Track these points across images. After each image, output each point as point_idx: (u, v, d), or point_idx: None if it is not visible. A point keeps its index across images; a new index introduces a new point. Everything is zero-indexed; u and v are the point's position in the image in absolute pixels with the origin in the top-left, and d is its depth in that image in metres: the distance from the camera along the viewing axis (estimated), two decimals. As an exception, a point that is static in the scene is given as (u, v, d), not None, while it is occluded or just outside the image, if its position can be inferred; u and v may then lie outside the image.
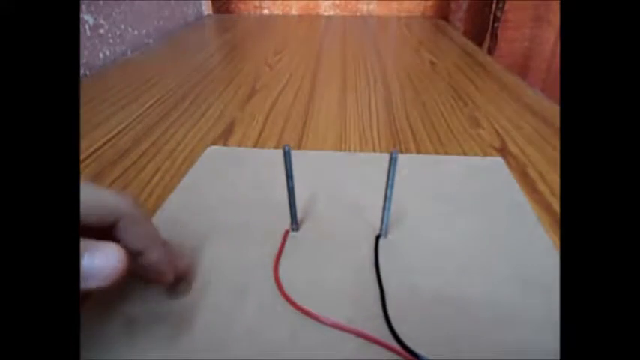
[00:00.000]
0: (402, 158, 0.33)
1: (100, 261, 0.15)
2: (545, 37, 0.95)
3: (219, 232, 0.26)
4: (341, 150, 0.37)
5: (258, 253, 0.24)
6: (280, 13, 1.13)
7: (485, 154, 0.36)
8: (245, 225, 0.26)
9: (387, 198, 0.24)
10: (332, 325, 0.19)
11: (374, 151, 0.37)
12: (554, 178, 0.33)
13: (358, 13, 1.12)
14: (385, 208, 0.24)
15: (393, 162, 0.22)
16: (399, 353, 0.18)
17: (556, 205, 0.29)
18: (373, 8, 1.11)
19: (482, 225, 0.26)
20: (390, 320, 0.19)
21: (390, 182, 0.23)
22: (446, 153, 0.36)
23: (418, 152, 0.37)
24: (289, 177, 0.23)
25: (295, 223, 0.26)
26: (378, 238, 0.25)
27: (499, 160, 0.35)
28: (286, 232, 0.25)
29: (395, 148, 0.37)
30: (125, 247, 0.16)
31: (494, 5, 0.94)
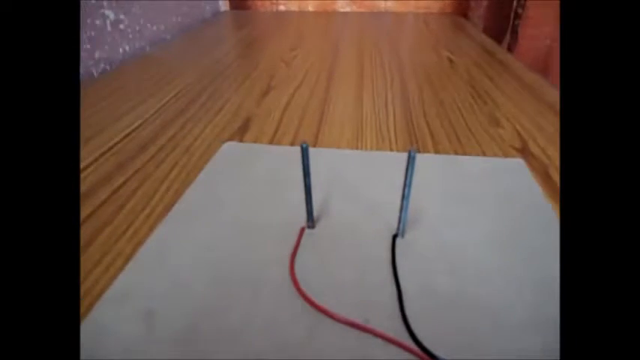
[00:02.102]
0: (419, 158, 0.33)
1: None
2: (567, 35, 0.92)
3: (235, 228, 0.26)
4: (357, 148, 0.37)
5: (273, 250, 0.24)
6: (297, 9, 1.12)
7: (505, 155, 0.35)
8: (261, 221, 0.26)
9: (404, 197, 0.23)
10: (348, 323, 0.19)
11: (390, 149, 0.37)
12: (577, 180, 0.32)
13: (375, 10, 1.11)
14: (403, 208, 0.24)
15: (411, 160, 0.22)
16: (417, 355, 0.18)
17: (579, 208, 0.28)
18: (390, 5, 1.10)
19: (502, 227, 0.26)
20: (408, 321, 0.19)
21: (407, 181, 0.23)
22: (464, 153, 0.36)
23: (436, 152, 0.36)
24: (306, 174, 0.23)
25: (311, 221, 0.25)
26: (395, 237, 0.25)
27: (520, 160, 0.34)
28: (302, 230, 0.25)
29: (413, 146, 0.37)
30: None
31: (515, 2, 0.92)
